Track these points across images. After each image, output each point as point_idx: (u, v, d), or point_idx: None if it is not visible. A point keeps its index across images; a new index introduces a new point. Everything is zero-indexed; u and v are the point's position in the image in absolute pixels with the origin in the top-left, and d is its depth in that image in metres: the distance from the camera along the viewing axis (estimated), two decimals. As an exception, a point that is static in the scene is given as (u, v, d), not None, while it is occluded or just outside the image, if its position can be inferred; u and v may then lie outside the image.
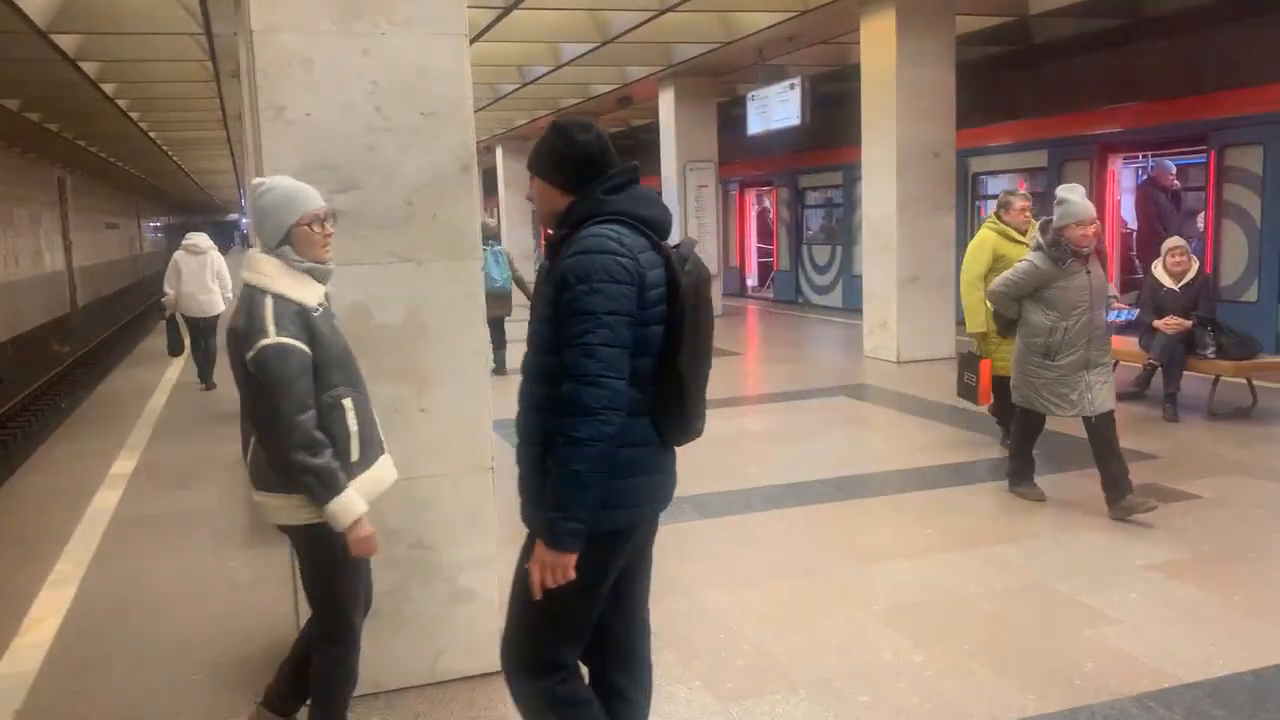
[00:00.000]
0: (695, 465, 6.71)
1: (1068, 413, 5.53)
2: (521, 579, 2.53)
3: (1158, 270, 7.97)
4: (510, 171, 27.13)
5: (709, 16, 13.13)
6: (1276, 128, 9.47)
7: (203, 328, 10.41)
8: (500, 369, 10.39)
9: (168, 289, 10.19)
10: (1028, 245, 6.15)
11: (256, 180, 3.15)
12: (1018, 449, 5.98)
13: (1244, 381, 7.84)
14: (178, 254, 10.29)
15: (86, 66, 13.03)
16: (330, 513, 2.82)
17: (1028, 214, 6.76)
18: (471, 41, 12.79)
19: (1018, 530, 5.34)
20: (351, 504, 2.84)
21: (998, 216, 6.82)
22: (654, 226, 2.50)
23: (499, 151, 27.30)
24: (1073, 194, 5.39)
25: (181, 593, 4.93)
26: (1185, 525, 5.27)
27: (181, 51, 12.54)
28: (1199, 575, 4.60)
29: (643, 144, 25.40)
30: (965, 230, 13.17)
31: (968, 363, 6.81)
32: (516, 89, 17.52)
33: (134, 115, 18.67)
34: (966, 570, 4.78)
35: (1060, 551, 5.00)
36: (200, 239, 10.49)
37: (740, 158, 19.65)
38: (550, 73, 15.81)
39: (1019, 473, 5.98)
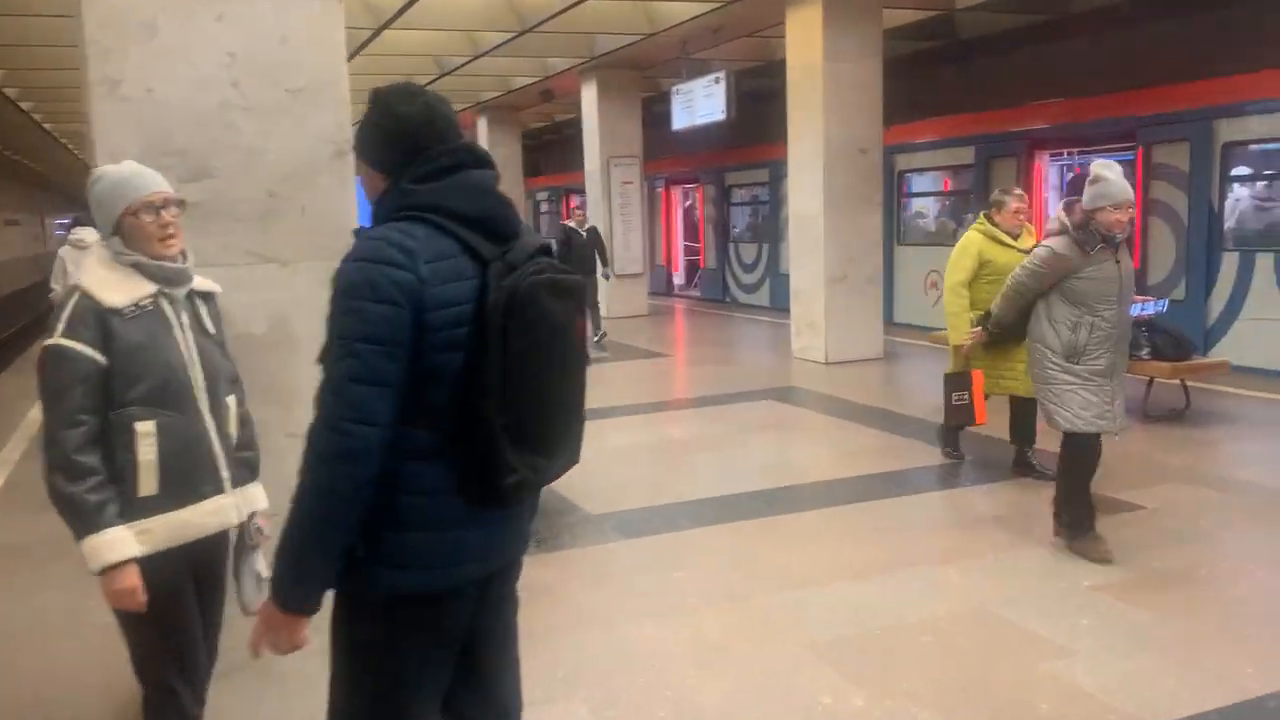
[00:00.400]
0: (616, 479, 6.38)
1: (1107, 428, 4.68)
2: (336, 657, 2.07)
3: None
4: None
5: (632, 6, 12.72)
6: (1202, 125, 9.39)
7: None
8: None
9: (54, 285, 9.43)
10: (1019, 250, 5.79)
11: (95, 170, 2.65)
12: (1069, 489, 4.82)
13: (1178, 383, 7.69)
14: (63, 249, 9.54)
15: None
16: (83, 552, 2.35)
17: (1022, 217, 6.18)
18: (383, 28, 12.32)
19: (957, 547, 5.01)
20: (107, 546, 2.35)
21: (987, 217, 6.20)
22: (480, 225, 1.94)
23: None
24: (1109, 171, 4.59)
25: (29, 637, 4.34)
26: (1131, 540, 4.99)
27: (66, 36, 11.70)
28: (1151, 598, 4.31)
29: (567, 139, 24.91)
30: (892, 229, 12.99)
31: (955, 381, 6.20)
32: (433, 80, 16.85)
33: (25, 106, 17.60)
34: (906, 594, 4.42)
35: (1003, 571, 4.67)
36: (87, 233, 9.72)
37: (666, 154, 19.28)
38: (468, 63, 15.23)
39: (1077, 522, 4.78)
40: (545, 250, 2.01)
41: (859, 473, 6.45)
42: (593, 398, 2.23)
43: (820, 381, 9.85)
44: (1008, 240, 6.07)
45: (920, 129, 13.08)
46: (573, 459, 2.09)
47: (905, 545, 5.09)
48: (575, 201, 15.76)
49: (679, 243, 20.62)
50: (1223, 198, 9.42)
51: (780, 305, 14.80)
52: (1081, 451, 4.73)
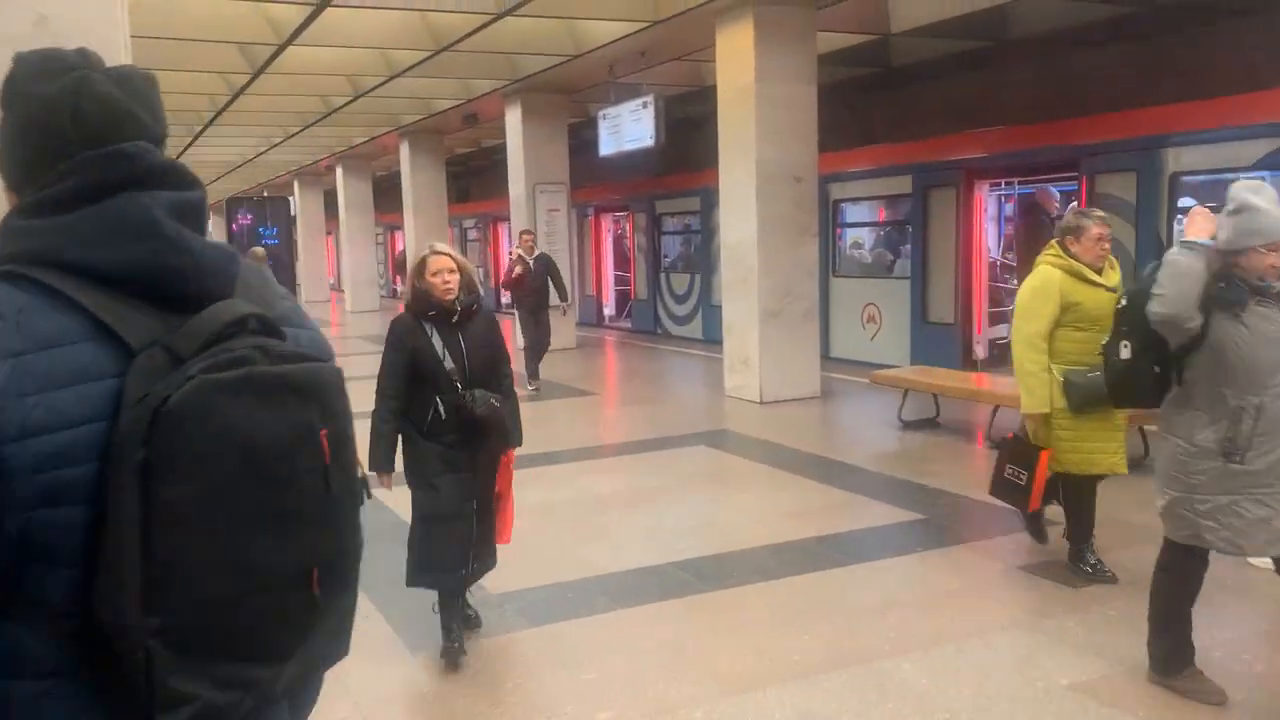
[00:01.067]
0: (526, 547, 5.55)
1: (1266, 551, 3.56)
2: None
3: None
4: (351, 192, 25.39)
5: (555, 25, 12.06)
6: (1150, 154, 9.00)
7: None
8: None
9: None
10: (1106, 288, 4.68)
11: None
12: (1167, 614, 3.74)
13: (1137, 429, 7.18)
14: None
15: None
16: None
17: (1106, 246, 4.75)
18: (287, 44, 11.46)
19: (912, 636, 4.34)
20: None
21: (1063, 247, 4.76)
22: (133, 285, 1.19)
23: (339, 171, 25.52)
24: (1259, 198, 3.40)
25: None
26: (1106, 619, 4.39)
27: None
28: (1141, 701, 3.68)
29: (495, 164, 24.19)
30: (828, 260, 12.47)
31: (1016, 453, 4.94)
32: (349, 102, 16.04)
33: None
34: (856, 701, 3.73)
35: (967, 666, 4.01)
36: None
37: (595, 181, 18.65)
38: (384, 84, 14.42)
39: (1176, 653, 3.72)
40: (263, 323, 1.24)
41: (799, 535, 5.77)
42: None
43: (755, 424, 9.20)
44: (1091, 275, 4.68)
45: (855, 157, 12.61)
46: (335, 650, 1.31)
47: (854, 632, 4.41)
48: (524, 226, 14.96)
49: (609, 272, 19.95)
50: (1170, 229, 9.03)
51: (713, 338, 14.18)
52: (1196, 571, 3.67)
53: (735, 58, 10.15)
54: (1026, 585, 4.91)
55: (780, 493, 6.92)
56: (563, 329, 15.59)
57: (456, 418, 4.03)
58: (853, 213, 13.38)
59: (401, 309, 4.24)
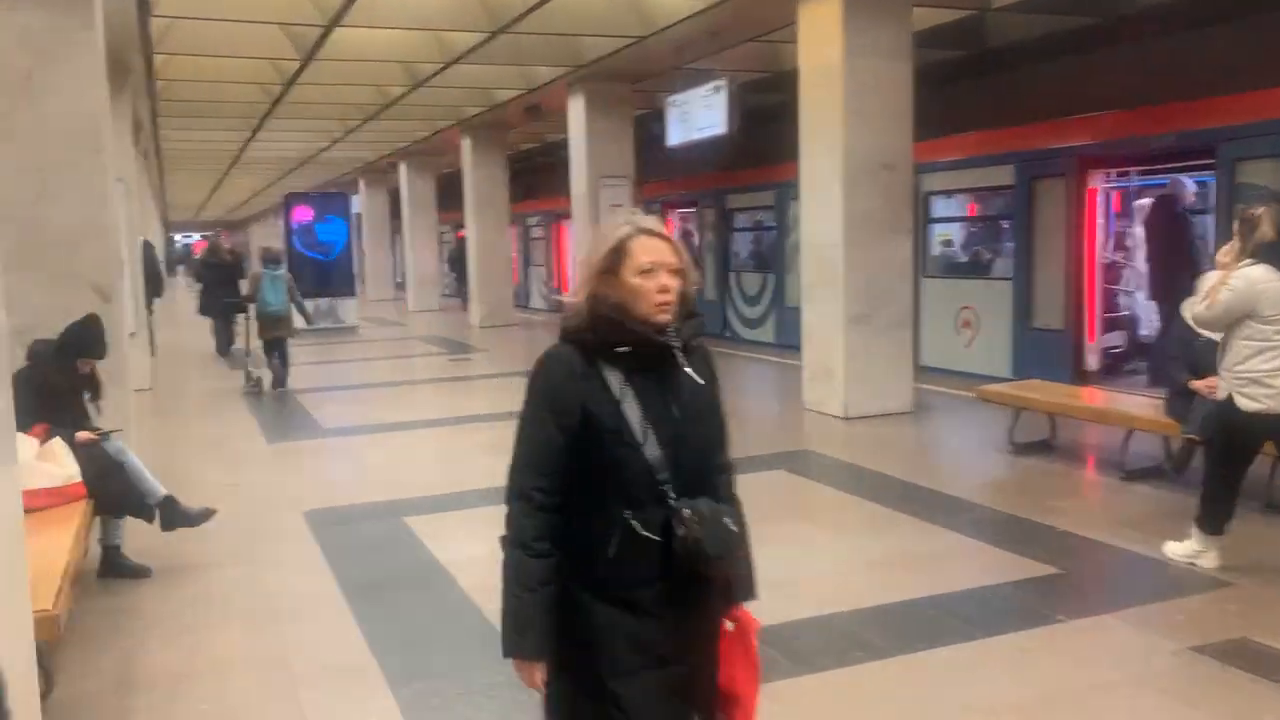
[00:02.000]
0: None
1: None
2: None
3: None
4: (414, 189, 24.81)
5: (619, 2, 11.13)
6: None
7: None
8: (281, 384, 11.67)
9: None
10: None
11: None
12: None
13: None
14: None
15: None
16: None
17: None
18: (333, 25, 10.68)
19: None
20: None
21: None
22: None
23: (402, 168, 24.97)
24: None
25: None
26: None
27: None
28: None
29: (559, 161, 23.43)
30: (921, 260, 11.33)
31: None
32: (407, 92, 15.31)
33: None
34: None
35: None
36: None
37: (661, 176, 17.69)
38: (441, 70, 13.65)
39: None
40: None
41: (899, 594, 4.73)
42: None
43: (840, 444, 8.15)
44: None
45: (947, 146, 11.43)
46: None
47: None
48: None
49: (676, 272, 18.96)
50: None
51: (788, 343, 13.13)
52: None
53: (820, 33, 9.09)
54: (1213, 678, 3.81)
55: (873, 534, 5.86)
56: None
57: (658, 554, 2.14)
58: (945, 207, 12.21)
59: (561, 338, 2.28)
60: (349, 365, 14.90)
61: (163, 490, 5.33)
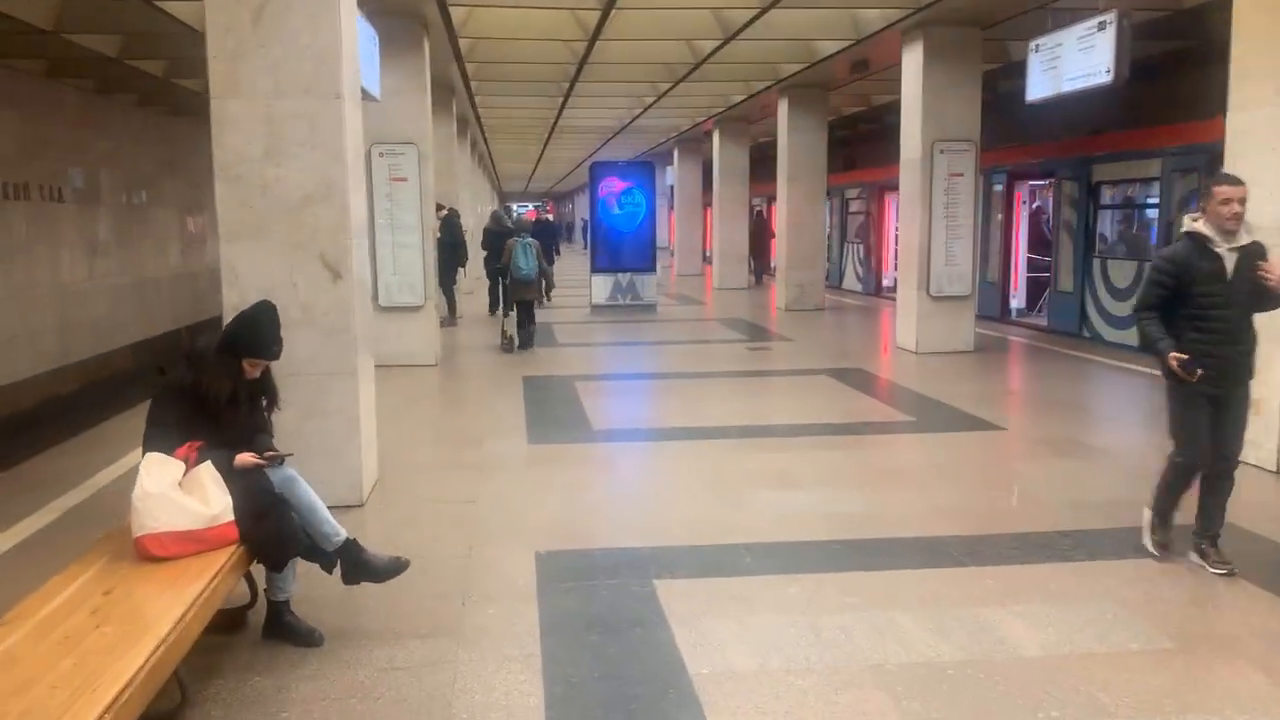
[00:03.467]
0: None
1: None
2: None
3: None
4: (726, 157, 23.38)
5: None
6: None
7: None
8: (528, 345, 12.75)
9: None
10: None
11: None
12: None
13: None
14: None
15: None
16: None
17: None
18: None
19: None
20: None
21: None
22: None
23: (715, 136, 23.61)
24: None
25: None
26: None
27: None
28: None
29: (887, 129, 21.09)
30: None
31: None
32: (719, 46, 13.77)
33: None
34: None
35: None
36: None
37: (1008, 141, 15.04)
38: (758, 18, 11.96)
39: None
40: None
41: None
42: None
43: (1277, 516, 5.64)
44: None
45: None
46: None
47: None
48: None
49: (1020, 255, 16.19)
50: None
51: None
52: None
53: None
54: None
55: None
56: (955, 327, 12.42)
57: None
58: None
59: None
60: (638, 350, 13.69)
61: (343, 533, 4.09)
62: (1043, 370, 11.20)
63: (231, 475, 3.84)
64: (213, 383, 3.92)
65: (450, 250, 15.76)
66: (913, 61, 12.48)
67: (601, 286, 18.03)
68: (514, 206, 75.90)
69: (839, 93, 18.50)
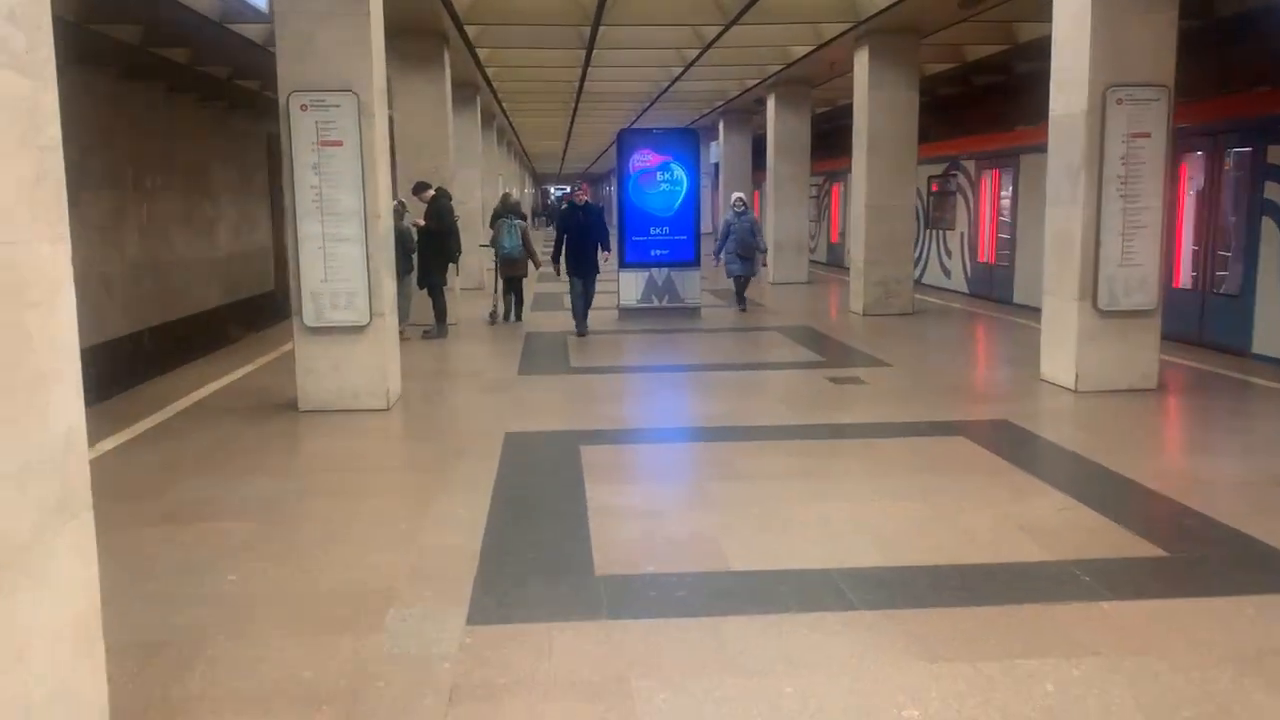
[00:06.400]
0: None
1: None
2: None
3: None
4: (782, 130, 19.51)
5: None
6: None
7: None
8: (517, 317, 13.74)
9: None
10: None
11: None
12: None
13: None
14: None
15: None
16: None
17: None
18: None
19: None
20: None
21: None
22: None
23: (770, 102, 19.72)
24: None
25: None
26: None
27: None
28: None
29: (1020, 81, 17.06)
30: None
31: None
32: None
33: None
34: None
35: None
36: None
37: (1219, 90, 11.12)
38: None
39: None
40: None
41: None
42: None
43: None
44: None
45: None
46: None
47: None
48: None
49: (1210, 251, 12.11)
50: None
51: None
52: None
53: None
54: None
55: None
56: (1137, 353, 8.60)
57: None
58: None
59: None
60: (669, 380, 9.94)
61: None
62: (1254, 410, 7.32)
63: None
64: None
65: (438, 241, 12.16)
66: (1076, -29, 8.59)
67: (631, 285, 14.24)
68: (552, 189, 72.06)
69: (931, 40, 14.54)
